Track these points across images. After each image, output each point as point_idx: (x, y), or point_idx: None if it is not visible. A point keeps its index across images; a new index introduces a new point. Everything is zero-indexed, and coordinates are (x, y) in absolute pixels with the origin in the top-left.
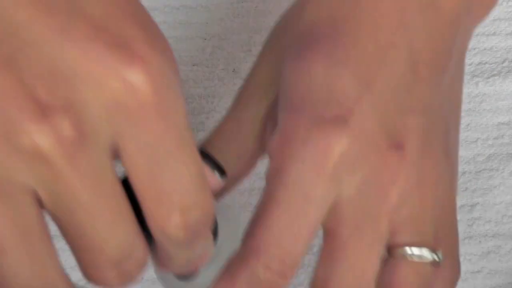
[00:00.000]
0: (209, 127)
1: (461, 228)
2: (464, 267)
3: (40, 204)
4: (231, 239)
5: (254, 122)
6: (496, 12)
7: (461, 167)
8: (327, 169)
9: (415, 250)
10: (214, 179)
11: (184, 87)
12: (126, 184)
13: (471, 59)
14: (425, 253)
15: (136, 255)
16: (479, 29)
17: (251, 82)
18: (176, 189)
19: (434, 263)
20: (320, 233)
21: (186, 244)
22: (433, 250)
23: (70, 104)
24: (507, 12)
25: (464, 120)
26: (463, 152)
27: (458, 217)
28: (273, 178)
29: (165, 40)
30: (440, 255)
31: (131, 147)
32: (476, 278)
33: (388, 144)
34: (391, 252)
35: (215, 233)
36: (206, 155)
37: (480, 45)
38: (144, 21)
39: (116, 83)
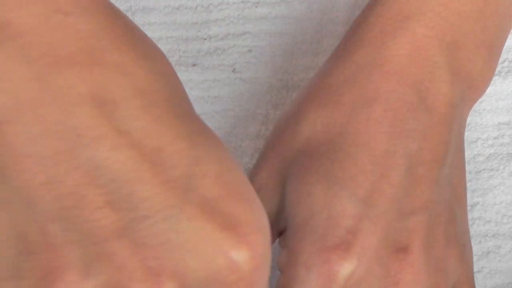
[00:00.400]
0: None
1: None
2: None
3: None
4: None
5: None
6: None
7: None
8: None
9: None
10: None
11: (184, 88)
12: None
13: None
14: None
15: None
16: None
17: None
18: None
19: None
20: None
21: None
22: None
23: (177, 272)
24: None
25: None
26: None
27: None
28: None
29: (265, 215)
30: None
31: None
32: (476, 278)
33: (390, 252)
34: None
35: None
36: None
37: None
38: (250, 199)
39: (222, 260)
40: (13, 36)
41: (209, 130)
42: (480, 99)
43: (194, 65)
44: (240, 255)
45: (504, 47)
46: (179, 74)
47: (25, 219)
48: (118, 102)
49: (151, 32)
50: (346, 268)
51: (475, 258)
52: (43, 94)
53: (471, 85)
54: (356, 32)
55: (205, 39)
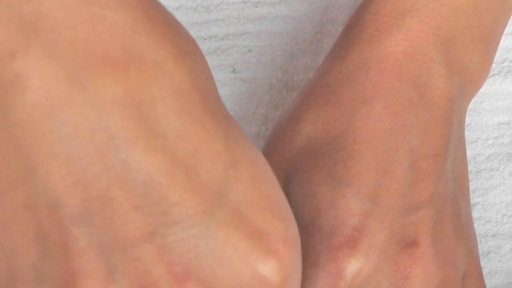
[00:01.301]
0: None
1: None
2: None
3: None
4: None
5: None
6: None
7: None
8: None
9: None
10: None
11: None
12: None
13: None
14: None
15: None
16: None
17: None
18: None
19: None
20: None
21: None
22: None
23: (203, 279)
24: None
25: None
26: None
27: None
28: None
29: (294, 222)
30: None
31: None
32: None
33: (398, 247)
34: None
35: None
36: None
37: None
38: (281, 206)
39: (248, 271)
40: (45, 31)
41: (242, 131)
42: (480, 99)
43: None
44: (266, 267)
45: (504, 47)
46: None
47: (48, 221)
48: (154, 102)
49: None
50: (353, 265)
51: None
52: (75, 94)
53: (469, 79)
54: (352, 30)
55: (205, 39)
